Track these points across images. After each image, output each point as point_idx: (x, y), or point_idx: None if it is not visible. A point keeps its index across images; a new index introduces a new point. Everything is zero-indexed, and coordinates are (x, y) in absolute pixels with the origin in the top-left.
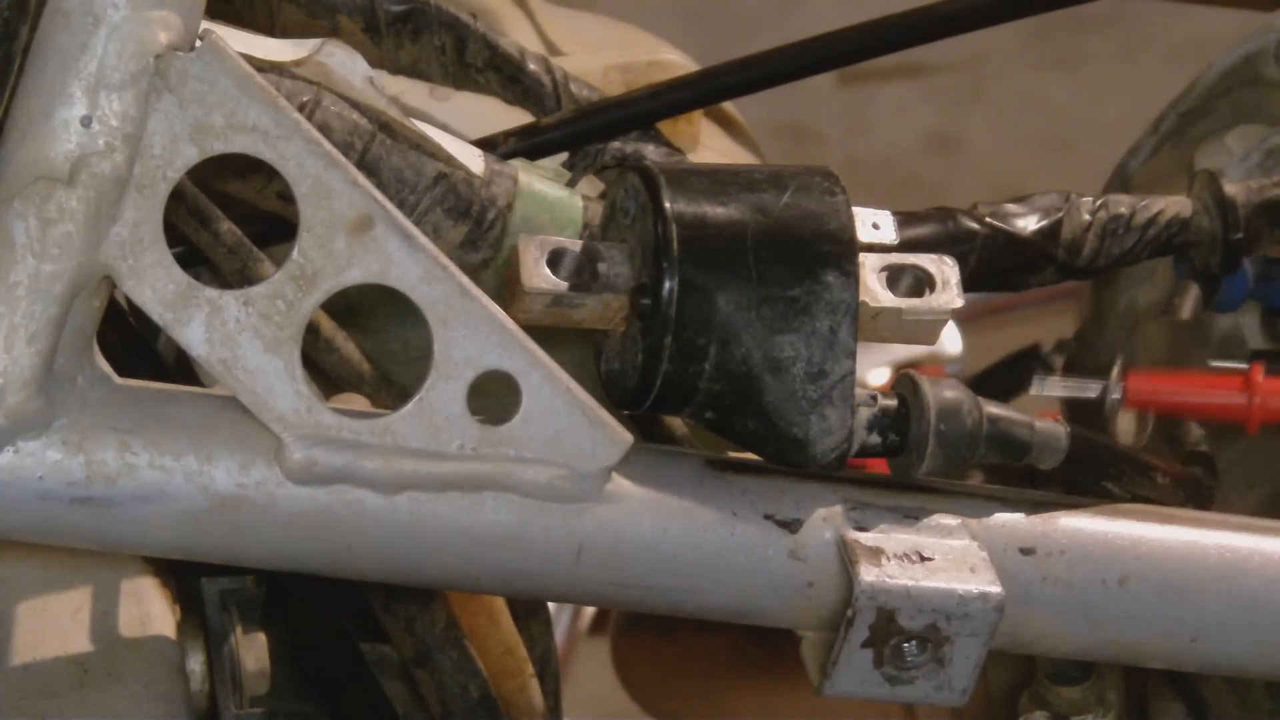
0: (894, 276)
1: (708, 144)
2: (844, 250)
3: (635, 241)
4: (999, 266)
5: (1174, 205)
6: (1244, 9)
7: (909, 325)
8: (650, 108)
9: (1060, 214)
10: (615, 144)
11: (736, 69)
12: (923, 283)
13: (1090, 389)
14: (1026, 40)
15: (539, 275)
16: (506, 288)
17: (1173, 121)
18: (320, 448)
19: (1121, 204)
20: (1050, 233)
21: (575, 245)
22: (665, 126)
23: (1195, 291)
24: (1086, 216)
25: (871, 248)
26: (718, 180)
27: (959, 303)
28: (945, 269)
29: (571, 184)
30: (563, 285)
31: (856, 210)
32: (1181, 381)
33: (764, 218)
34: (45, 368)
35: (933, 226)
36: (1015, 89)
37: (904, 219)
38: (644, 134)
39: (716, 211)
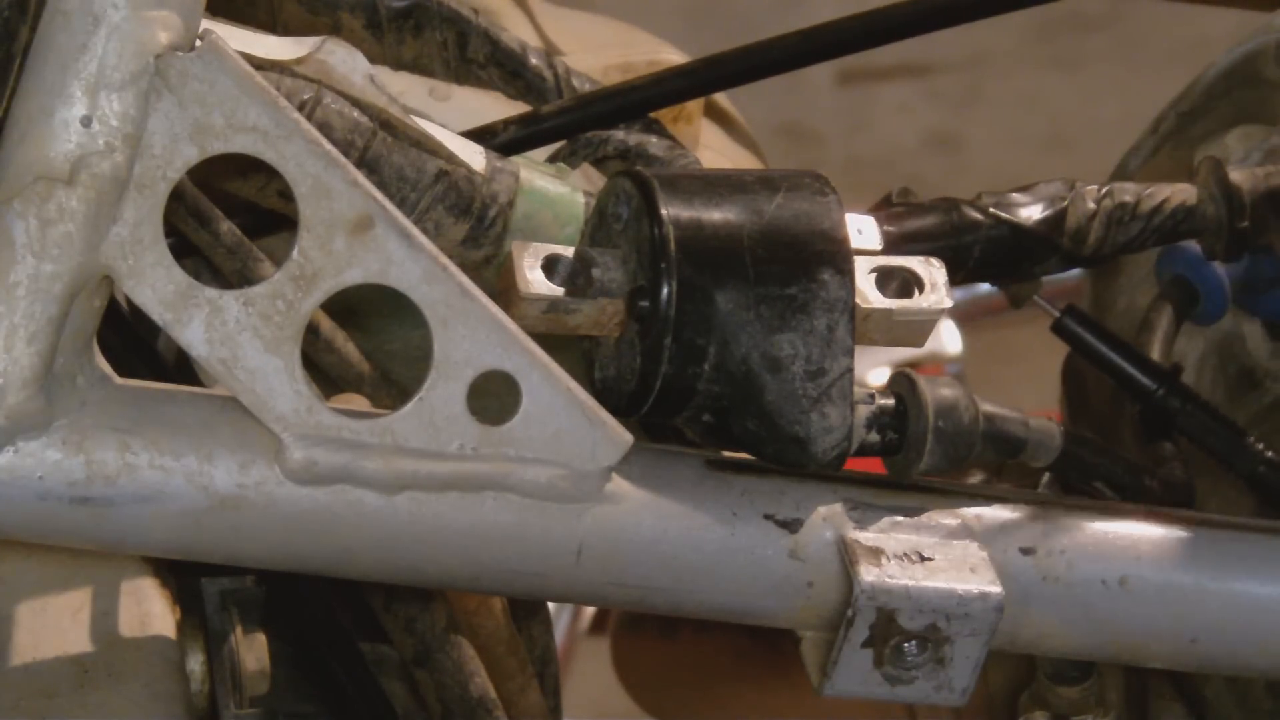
0: (883, 278)
1: (707, 143)
2: (838, 249)
3: (629, 246)
4: (1004, 256)
5: (1179, 193)
6: (1244, 9)
7: (899, 326)
8: (651, 95)
9: (1065, 203)
10: (619, 134)
11: (737, 58)
12: (911, 284)
13: None
14: (1026, 40)
15: (534, 281)
16: (501, 296)
17: (1173, 121)
18: (320, 448)
19: (1126, 192)
20: (1055, 221)
21: (568, 252)
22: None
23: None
24: (1091, 205)
25: (858, 253)
26: (710, 183)
27: (948, 303)
28: (933, 270)
29: (573, 165)
30: (559, 290)
31: None
32: None
33: (758, 218)
34: (45, 368)
35: (937, 217)
36: (1015, 89)
37: (908, 210)
38: (645, 126)
39: (711, 213)
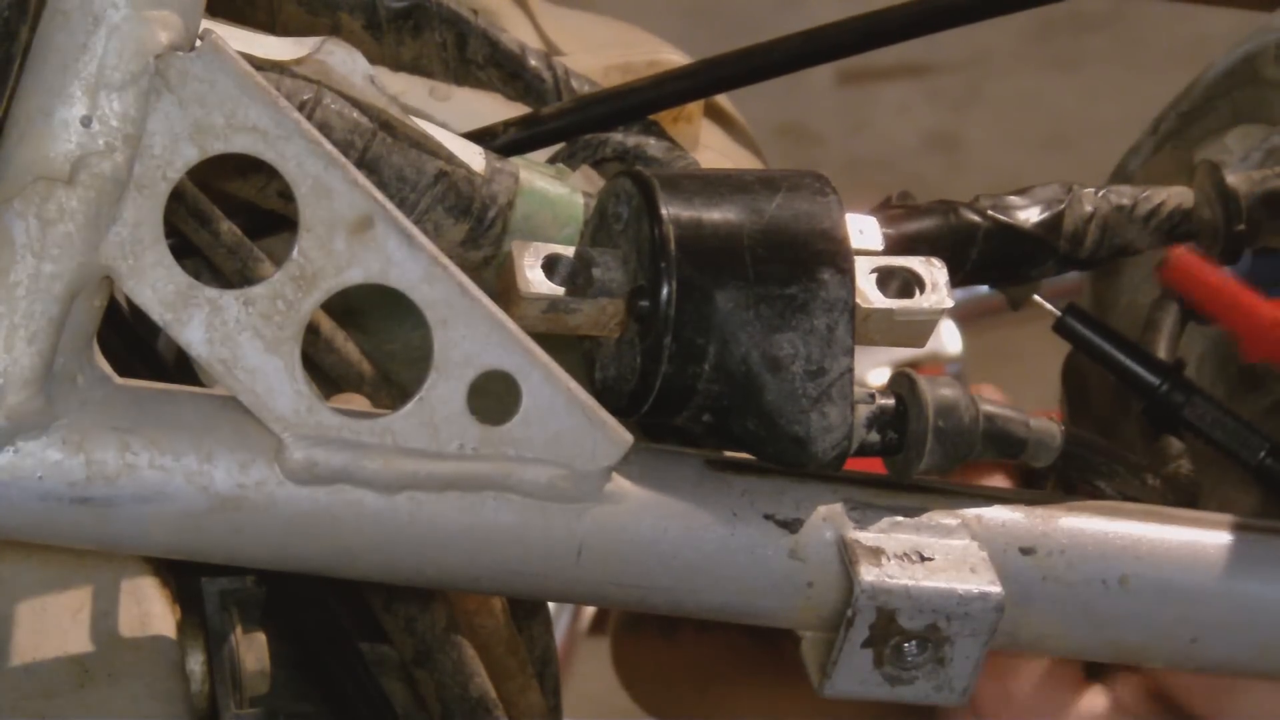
0: (884, 278)
1: (708, 143)
2: (838, 248)
3: (629, 246)
4: (1001, 259)
5: (1176, 196)
6: (1244, 9)
7: (900, 327)
8: (651, 97)
9: (1062, 205)
10: (617, 136)
11: (738, 59)
12: (912, 284)
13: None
14: (1026, 40)
15: (534, 281)
16: (501, 296)
17: (1173, 121)
18: (320, 448)
19: (1123, 195)
20: (1052, 224)
21: (568, 251)
22: (664, 126)
23: None
24: (1088, 208)
25: (858, 253)
26: (710, 183)
27: (949, 303)
28: (934, 271)
29: (572, 166)
30: (559, 290)
31: None
32: (1220, 283)
33: (758, 218)
34: (45, 368)
35: (935, 220)
36: (1015, 89)
37: (906, 212)
38: (644, 128)
39: (711, 213)
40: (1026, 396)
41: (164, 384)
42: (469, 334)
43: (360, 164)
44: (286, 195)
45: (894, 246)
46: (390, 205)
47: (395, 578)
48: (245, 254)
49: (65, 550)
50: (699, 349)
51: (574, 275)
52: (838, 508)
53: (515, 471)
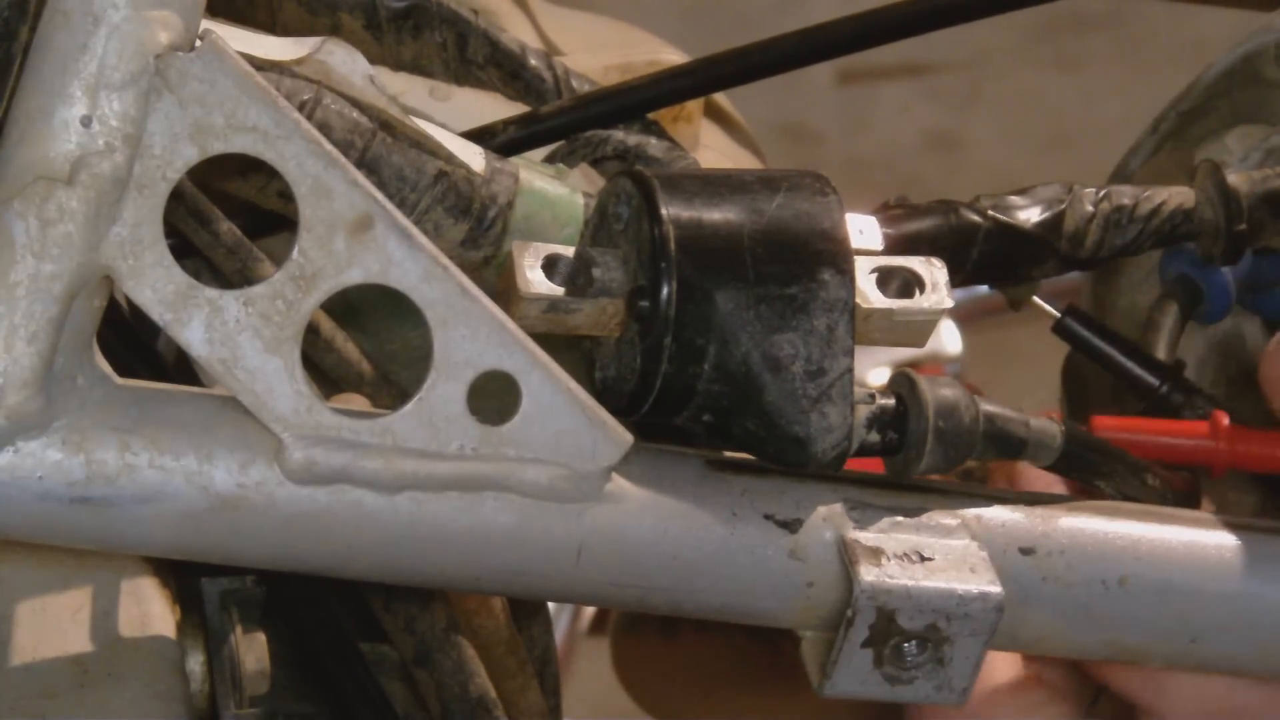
0: (884, 278)
1: (708, 143)
2: (838, 248)
3: (629, 246)
4: (1002, 259)
5: (1177, 196)
6: (1244, 9)
7: (900, 326)
8: (650, 96)
9: (1063, 205)
10: (618, 135)
11: (736, 58)
12: (912, 284)
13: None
14: (1027, 40)
15: (534, 281)
16: (501, 296)
17: (1173, 121)
18: (320, 448)
19: (1124, 195)
20: (1053, 224)
21: (568, 251)
22: (664, 126)
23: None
24: (1089, 208)
25: (859, 253)
26: (710, 183)
27: (949, 304)
28: (934, 271)
29: (570, 164)
30: (559, 290)
31: None
32: (1149, 426)
33: (758, 218)
34: (45, 368)
35: (935, 220)
36: (1015, 89)
37: (906, 212)
38: (645, 128)
39: (711, 213)
40: (1026, 397)
41: (164, 384)
42: (469, 334)
43: (360, 164)
44: (286, 195)
45: (894, 246)
46: (390, 205)
47: (395, 578)
48: (245, 254)
49: (65, 550)
50: (699, 349)
51: (574, 275)
52: (838, 508)
53: (515, 472)
